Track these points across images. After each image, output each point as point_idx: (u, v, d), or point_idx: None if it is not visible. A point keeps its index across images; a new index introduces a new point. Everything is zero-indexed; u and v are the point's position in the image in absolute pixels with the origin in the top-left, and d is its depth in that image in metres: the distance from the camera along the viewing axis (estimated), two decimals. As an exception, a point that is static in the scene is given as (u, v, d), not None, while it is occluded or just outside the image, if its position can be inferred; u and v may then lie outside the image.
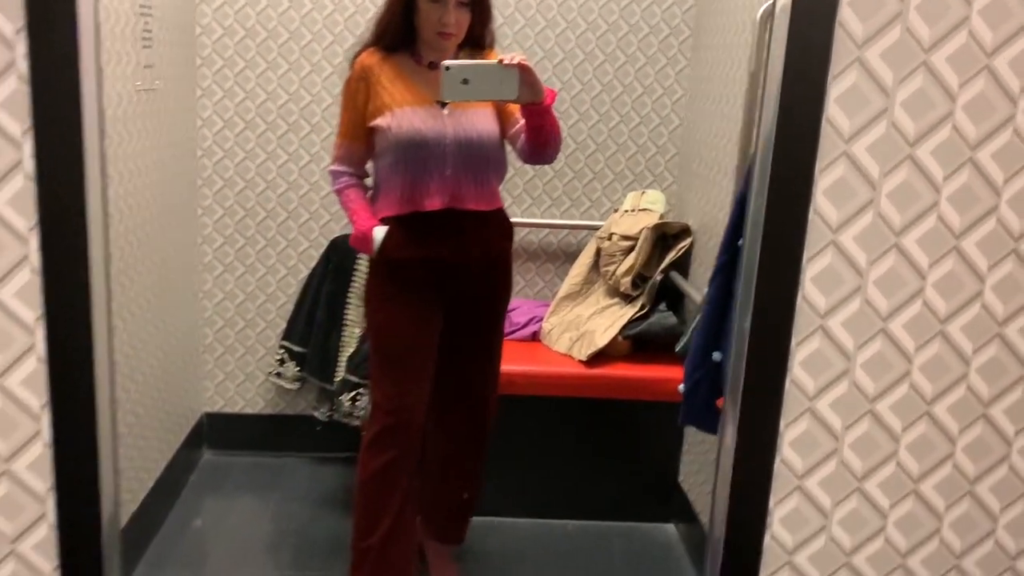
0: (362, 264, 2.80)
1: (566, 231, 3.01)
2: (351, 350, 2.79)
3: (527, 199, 2.95)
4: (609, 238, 2.80)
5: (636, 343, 2.71)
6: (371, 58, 1.99)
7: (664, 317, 2.72)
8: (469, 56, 2.00)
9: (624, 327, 2.69)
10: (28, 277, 1.15)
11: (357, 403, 2.66)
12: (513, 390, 2.54)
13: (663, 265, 2.73)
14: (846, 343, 1.24)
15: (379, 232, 1.98)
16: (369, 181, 2.10)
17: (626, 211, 2.86)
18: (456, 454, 2.28)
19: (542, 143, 1.96)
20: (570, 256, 3.00)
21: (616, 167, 2.94)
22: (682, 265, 2.77)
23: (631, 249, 2.75)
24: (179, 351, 2.73)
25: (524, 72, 1.76)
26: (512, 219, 2.18)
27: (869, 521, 1.29)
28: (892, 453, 1.27)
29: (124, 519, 2.23)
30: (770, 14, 1.20)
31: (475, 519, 2.45)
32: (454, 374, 2.15)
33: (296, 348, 2.87)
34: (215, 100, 2.77)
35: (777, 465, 1.26)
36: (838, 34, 1.15)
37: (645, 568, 2.55)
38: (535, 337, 2.86)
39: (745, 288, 1.22)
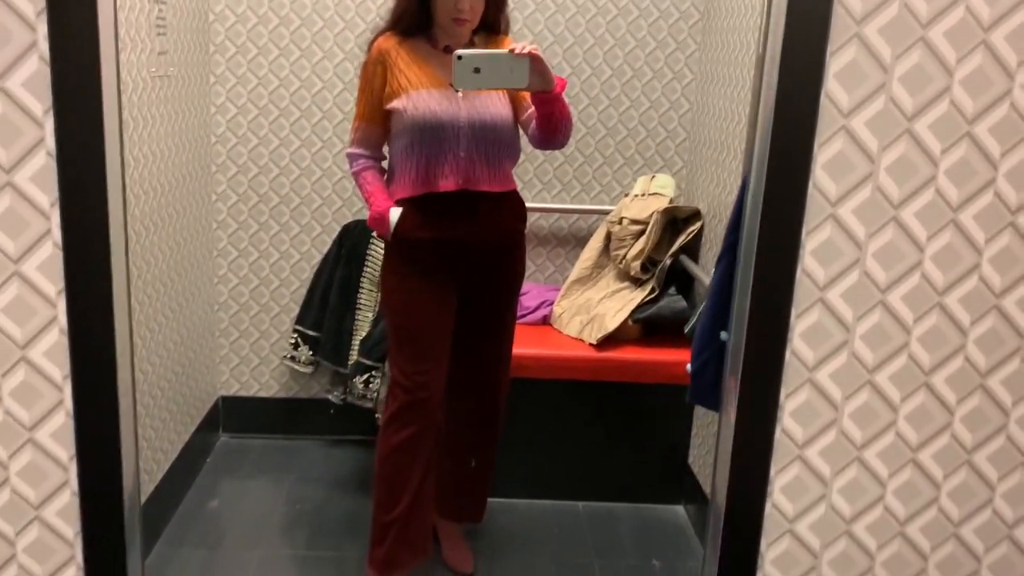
0: (374, 249, 2.84)
1: (577, 216, 3.03)
2: (364, 334, 2.83)
3: (538, 184, 2.97)
4: (619, 222, 2.82)
5: (646, 327, 2.74)
6: (388, 42, 2.03)
7: (674, 301, 2.74)
8: (483, 41, 2.04)
9: (634, 311, 2.71)
10: (51, 251, 1.19)
11: (370, 385, 2.71)
12: (524, 373, 2.57)
13: (673, 249, 2.75)
14: (845, 315, 1.26)
15: (395, 213, 2.02)
16: (385, 164, 2.13)
17: (636, 195, 2.88)
18: (469, 433, 2.32)
19: (552, 130, 2.00)
20: (580, 240, 3.02)
21: (626, 151, 2.96)
22: (692, 249, 2.79)
23: (641, 233, 2.77)
24: (195, 335, 2.77)
25: (534, 61, 1.79)
26: (523, 203, 2.21)
27: (868, 490, 1.31)
28: (891, 423, 1.29)
29: (142, 498, 2.28)
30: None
31: (487, 501, 2.49)
32: (467, 354, 2.19)
33: (310, 332, 2.91)
34: (228, 87, 2.81)
35: (778, 435, 1.28)
36: (837, 10, 1.17)
37: (655, 549, 2.58)
38: (546, 321, 2.89)
39: (745, 261, 1.25)
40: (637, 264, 2.75)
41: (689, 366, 2.10)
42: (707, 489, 2.56)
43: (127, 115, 2.09)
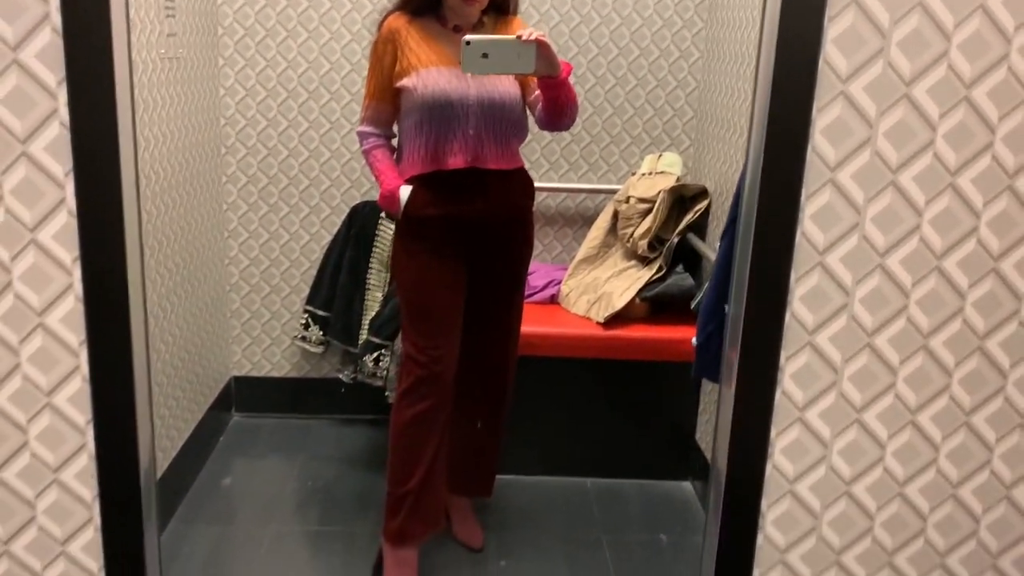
0: (383, 230, 2.87)
1: (584, 195, 3.05)
2: (373, 313, 2.86)
3: (545, 163, 2.99)
4: (626, 201, 2.84)
5: (653, 305, 2.76)
6: (398, 21, 2.06)
7: (681, 279, 2.75)
8: (492, 21, 2.08)
9: (641, 289, 2.73)
10: (65, 219, 1.22)
11: (380, 364, 2.74)
12: (532, 351, 2.60)
13: (680, 227, 2.77)
14: (845, 279, 1.28)
15: (405, 191, 2.05)
16: (395, 142, 2.16)
17: (643, 174, 2.89)
18: (479, 408, 2.36)
19: (558, 113, 2.04)
20: (588, 220, 3.04)
21: (633, 130, 2.97)
22: (699, 227, 2.80)
23: (648, 212, 2.78)
24: (207, 316, 2.81)
25: (541, 47, 1.83)
26: (530, 182, 2.24)
27: (868, 451, 1.34)
28: (890, 385, 1.31)
29: (156, 475, 2.33)
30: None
31: (496, 477, 2.52)
32: (477, 329, 2.22)
33: (320, 312, 2.94)
34: (237, 69, 2.84)
35: (778, 397, 1.30)
36: (834, -24, 1.19)
37: (662, 524, 2.60)
38: (553, 300, 2.91)
39: (745, 226, 1.26)
40: (644, 243, 2.77)
41: (694, 339, 2.13)
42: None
43: (137, 96, 2.12)
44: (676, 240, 2.75)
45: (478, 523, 2.48)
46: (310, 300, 2.97)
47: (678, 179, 2.83)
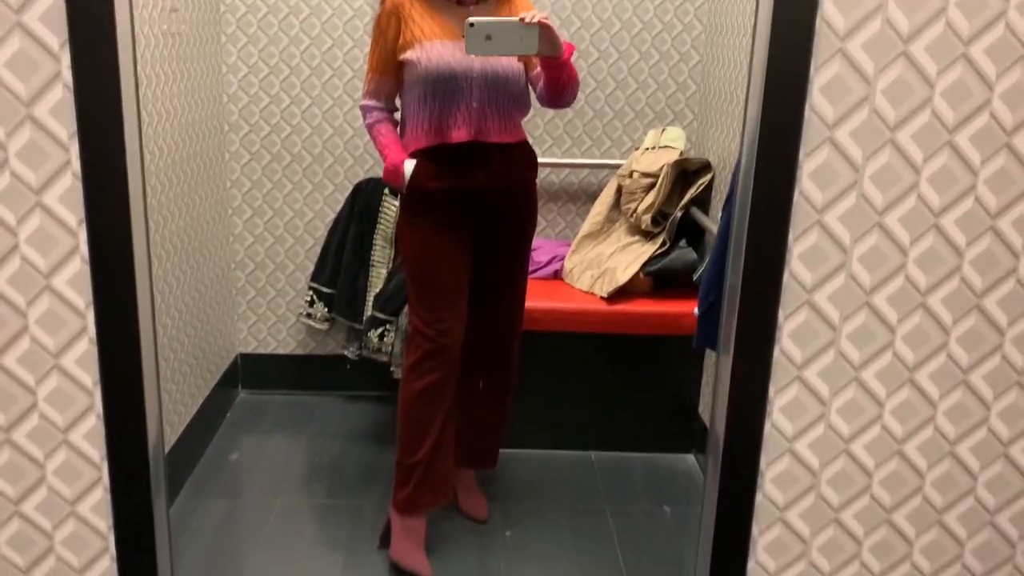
0: (387, 206, 2.88)
1: (587, 170, 3.05)
2: (377, 290, 2.88)
3: (548, 139, 2.99)
4: (630, 176, 2.84)
5: (657, 279, 2.77)
6: None
7: (684, 253, 2.76)
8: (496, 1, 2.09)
9: (645, 264, 2.74)
10: (70, 182, 1.24)
11: (384, 339, 2.76)
12: (536, 327, 2.61)
13: (684, 202, 2.77)
14: (843, 237, 1.29)
15: (409, 165, 2.06)
16: (398, 116, 2.17)
17: (647, 149, 2.90)
18: (485, 380, 2.37)
19: (560, 91, 2.07)
20: (591, 195, 3.05)
21: (636, 105, 2.97)
22: (703, 201, 2.80)
23: (652, 186, 2.79)
24: (212, 293, 2.83)
25: (544, 29, 1.86)
26: (533, 157, 2.25)
27: (866, 409, 1.35)
28: (888, 343, 1.32)
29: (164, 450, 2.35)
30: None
31: (501, 451, 2.54)
32: (482, 302, 2.24)
33: (324, 289, 2.96)
34: (239, 46, 2.85)
35: (776, 356, 1.31)
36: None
37: (666, 496, 2.62)
38: (557, 276, 2.92)
39: (743, 186, 1.27)
40: (648, 217, 2.78)
41: (696, 310, 2.14)
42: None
43: (139, 71, 2.13)
44: (679, 214, 2.76)
45: (483, 495, 2.51)
46: (314, 277, 2.99)
47: (681, 153, 2.83)
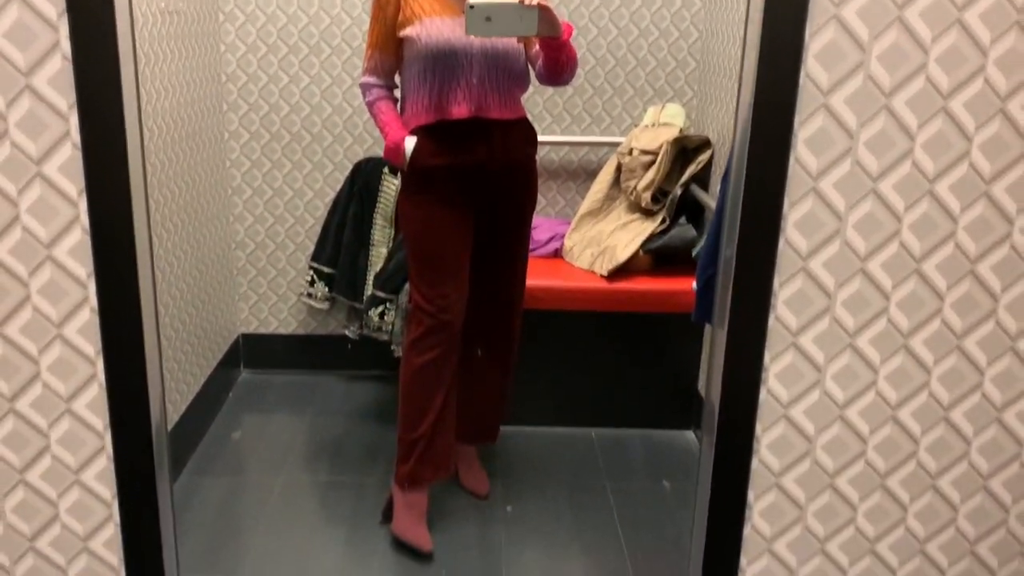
0: (386, 185, 2.89)
1: (587, 148, 3.06)
2: (378, 269, 2.89)
3: (547, 116, 2.99)
4: (629, 153, 2.85)
5: (657, 257, 2.78)
6: None
7: (684, 230, 2.77)
8: None
9: (645, 242, 2.75)
10: (70, 152, 1.24)
11: (385, 318, 2.77)
12: (537, 305, 2.62)
13: (683, 179, 2.77)
14: (838, 204, 1.29)
15: (410, 143, 2.07)
16: (397, 93, 2.18)
17: (646, 126, 2.90)
18: (486, 355, 2.39)
19: (558, 71, 2.08)
20: (591, 173, 3.05)
21: (636, 82, 2.97)
22: (702, 179, 2.81)
23: (651, 164, 2.79)
24: (213, 273, 2.84)
25: (543, 10, 1.88)
26: (532, 136, 2.26)
27: (861, 375, 1.36)
28: (883, 310, 1.33)
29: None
30: None
31: (502, 428, 2.56)
32: (484, 278, 2.25)
33: (325, 269, 2.97)
34: (237, 24, 2.84)
35: (772, 322, 1.32)
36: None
37: (666, 471, 2.64)
38: (557, 254, 2.93)
39: (739, 154, 1.28)
40: (648, 195, 2.78)
41: (694, 284, 2.15)
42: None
43: (137, 49, 2.13)
44: (679, 192, 2.76)
45: (484, 471, 2.53)
46: (315, 257, 3.00)
47: (681, 130, 2.83)
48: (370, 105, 2.16)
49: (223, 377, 2.96)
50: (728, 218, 1.32)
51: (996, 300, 1.34)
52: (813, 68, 1.24)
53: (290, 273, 3.10)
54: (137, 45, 2.09)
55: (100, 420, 1.35)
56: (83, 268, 1.29)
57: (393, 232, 2.89)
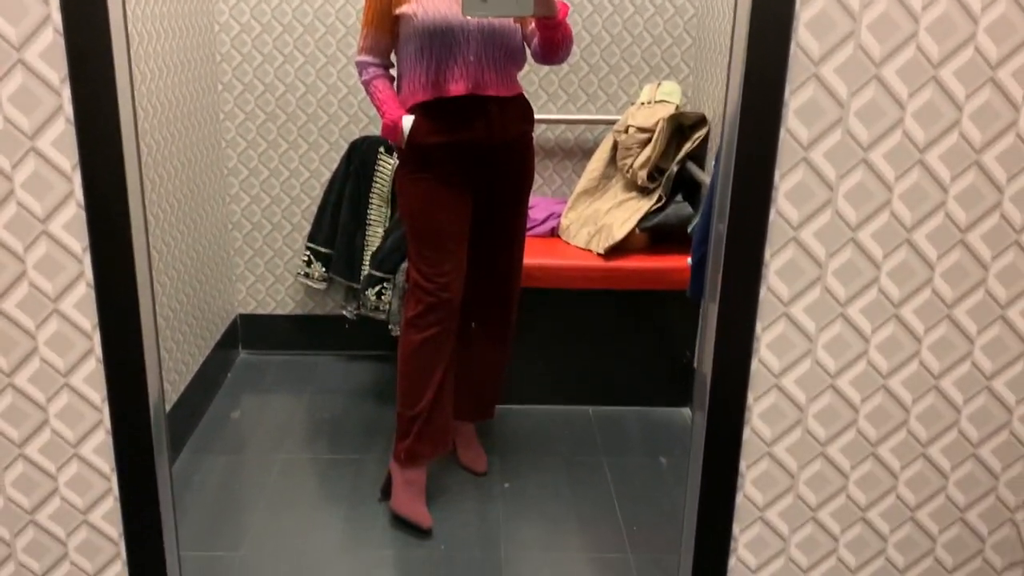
0: (382, 165, 2.89)
1: (583, 126, 3.06)
2: (374, 248, 2.89)
3: (543, 95, 2.99)
4: (626, 131, 2.85)
5: (653, 235, 2.78)
6: None
7: (680, 208, 2.77)
8: None
9: (641, 220, 2.75)
10: (63, 127, 1.25)
11: (382, 297, 2.78)
12: (534, 284, 2.63)
13: (680, 156, 2.78)
14: (828, 174, 1.30)
15: (407, 121, 2.08)
16: (394, 72, 2.18)
17: (642, 103, 2.90)
18: (483, 333, 2.40)
19: (553, 50, 2.09)
20: (587, 152, 3.05)
21: (632, 59, 2.97)
22: (699, 156, 2.81)
23: (648, 142, 2.79)
24: (210, 253, 2.85)
25: None
26: (528, 114, 2.26)
27: (852, 345, 1.37)
28: (874, 279, 1.34)
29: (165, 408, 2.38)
30: None
31: (499, 406, 2.57)
32: (481, 256, 2.26)
33: (322, 249, 2.98)
34: (231, 5, 2.84)
35: (763, 293, 1.33)
36: None
37: (662, 448, 2.66)
38: (554, 233, 2.94)
39: (729, 126, 1.28)
40: (644, 173, 2.78)
41: (689, 260, 2.15)
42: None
43: (130, 28, 2.13)
44: (675, 169, 2.76)
45: (482, 448, 2.55)
46: (312, 237, 3.00)
47: (677, 108, 2.83)
48: (366, 84, 2.16)
49: (221, 357, 2.98)
50: (720, 188, 1.32)
51: (986, 269, 1.35)
52: (804, 37, 1.25)
53: (287, 253, 3.11)
54: (130, 24, 2.09)
55: (98, 394, 1.36)
56: (78, 242, 1.29)
57: (389, 212, 2.90)
